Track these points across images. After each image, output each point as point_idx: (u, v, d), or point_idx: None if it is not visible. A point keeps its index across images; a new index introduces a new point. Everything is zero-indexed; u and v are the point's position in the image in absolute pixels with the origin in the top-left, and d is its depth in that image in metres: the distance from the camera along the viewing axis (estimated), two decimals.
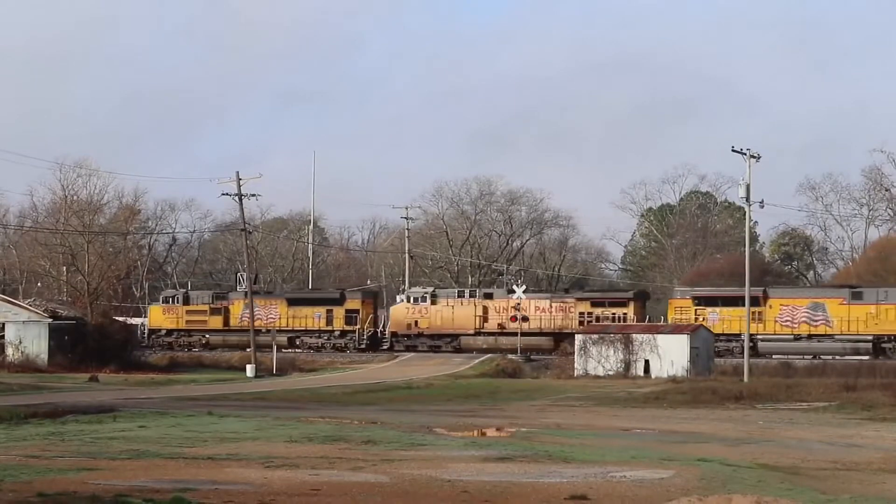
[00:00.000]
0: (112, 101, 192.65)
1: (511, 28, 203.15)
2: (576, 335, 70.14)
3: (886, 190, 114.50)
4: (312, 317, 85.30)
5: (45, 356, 69.31)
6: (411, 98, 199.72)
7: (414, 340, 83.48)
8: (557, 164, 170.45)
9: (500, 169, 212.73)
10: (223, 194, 77.10)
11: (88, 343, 70.92)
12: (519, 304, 79.57)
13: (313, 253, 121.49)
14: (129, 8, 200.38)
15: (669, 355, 65.36)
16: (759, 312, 74.36)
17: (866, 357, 72.03)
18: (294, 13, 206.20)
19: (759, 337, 73.22)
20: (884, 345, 73.75)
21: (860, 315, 73.76)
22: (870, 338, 73.53)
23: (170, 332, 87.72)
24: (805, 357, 73.23)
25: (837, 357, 72.27)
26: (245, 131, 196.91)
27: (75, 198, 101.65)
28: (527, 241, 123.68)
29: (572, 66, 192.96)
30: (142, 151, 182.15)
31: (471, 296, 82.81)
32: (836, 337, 73.93)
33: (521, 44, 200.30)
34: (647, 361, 66.10)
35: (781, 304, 76.21)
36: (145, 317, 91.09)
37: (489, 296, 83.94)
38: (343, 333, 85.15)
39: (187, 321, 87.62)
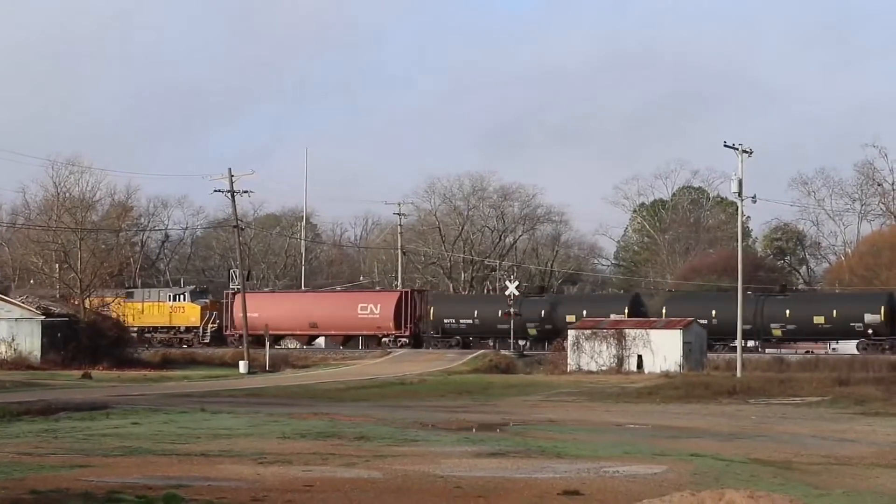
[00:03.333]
0: (118, 98, 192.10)
1: (519, 26, 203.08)
2: (569, 330, 70.08)
3: (878, 185, 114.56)
4: None
5: (37, 353, 69.20)
6: (414, 95, 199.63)
7: None
8: (566, 161, 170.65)
9: (508, 166, 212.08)
10: (215, 191, 77.33)
11: (81, 340, 70.78)
12: None
13: (306, 249, 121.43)
14: (138, 5, 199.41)
15: (662, 350, 65.39)
16: None
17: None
18: (305, 8, 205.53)
19: None
20: (146, 335, 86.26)
21: (130, 312, 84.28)
22: (135, 329, 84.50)
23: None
24: None
25: None
26: (252, 128, 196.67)
27: (68, 195, 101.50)
28: (519, 236, 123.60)
29: (580, 63, 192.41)
30: (147, 148, 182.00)
31: None
32: None
33: (530, 41, 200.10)
34: (640, 357, 66.10)
35: None
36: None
37: None
38: None
39: None
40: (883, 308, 73.16)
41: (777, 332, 76.35)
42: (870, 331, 73.34)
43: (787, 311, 75.84)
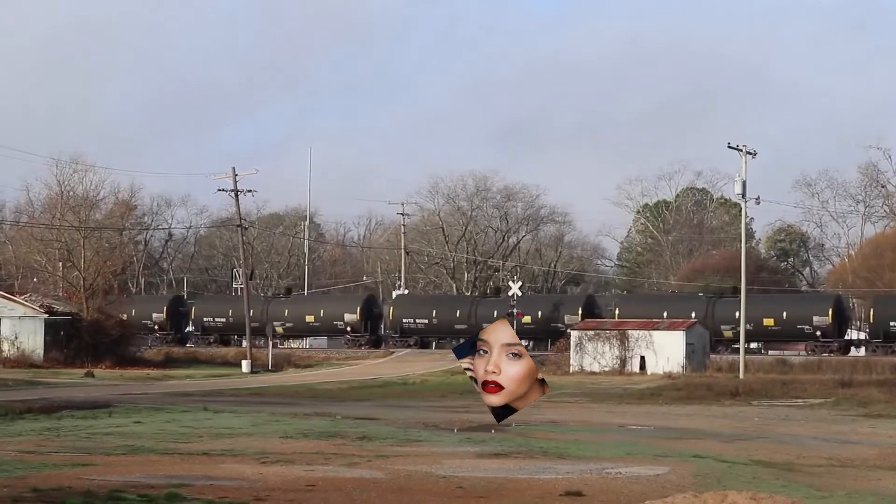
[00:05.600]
0: (122, 97, 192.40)
1: (530, 24, 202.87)
2: (571, 331, 70.11)
3: (882, 186, 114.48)
4: None
5: (40, 351, 69.27)
6: (421, 94, 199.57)
7: None
8: (574, 161, 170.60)
9: (516, 165, 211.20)
10: (219, 190, 77.40)
11: (84, 338, 70.83)
12: None
13: (309, 249, 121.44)
14: (146, 4, 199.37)
15: (665, 351, 65.34)
16: None
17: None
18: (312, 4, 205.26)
19: None
20: None
21: None
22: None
23: None
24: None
25: None
26: (257, 128, 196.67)
27: (71, 193, 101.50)
28: (523, 237, 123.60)
29: (590, 62, 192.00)
30: (152, 147, 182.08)
31: None
32: None
33: (542, 40, 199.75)
34: (642, 358, 66.04)
35: None
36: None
37: None
38: None
39: None
40: None
41: None
42: None
43: None
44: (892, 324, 73.57)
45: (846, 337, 78.84)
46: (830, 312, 76.04)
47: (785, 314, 75.42)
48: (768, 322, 75.58)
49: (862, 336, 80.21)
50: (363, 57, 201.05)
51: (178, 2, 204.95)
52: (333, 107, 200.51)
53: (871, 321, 76.16)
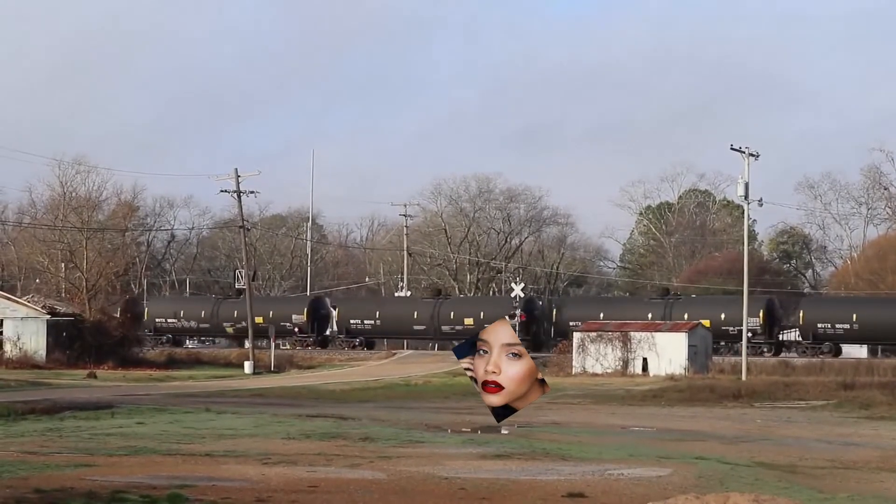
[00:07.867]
0: (125, 100, 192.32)
1: (534, 30, 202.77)
2: (574, 333, 70.10)
3: (885, 189, 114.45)
4: None
5: (43, 352, 69.27)
6: (427, 97, 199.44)
7: None
8: (579, 164, 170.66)
9: (521, 168, 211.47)
10: (222, 191, 77.44)
11: (86, 339, 70.88)
12: None
13: (312, 250, 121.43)
14: (156, 6, 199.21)
15: (668, 353, 65.31)
16: None
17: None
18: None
19: None
20: None
21: None
22: None
23: None
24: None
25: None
26: (262, 130, 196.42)
27: (74, 194, 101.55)
28: (525, 238, 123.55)
29: (598, 65, 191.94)
30: (156, 149, 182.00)
31: None
32: None
33: (546, 44, 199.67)
34: (645, 359, 66.03)
35: None
36: None
37: None
38: None
39: None
40: None
41: None
42: None
43: None
44: None
45: None
46: None
47: None
48: None
49: None
50: (368, 60, 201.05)
51: (180, 2, 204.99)
52: (337, 110, 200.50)
53: None
